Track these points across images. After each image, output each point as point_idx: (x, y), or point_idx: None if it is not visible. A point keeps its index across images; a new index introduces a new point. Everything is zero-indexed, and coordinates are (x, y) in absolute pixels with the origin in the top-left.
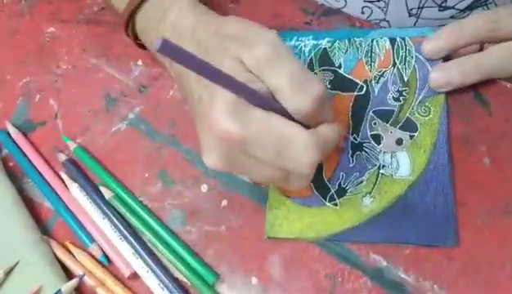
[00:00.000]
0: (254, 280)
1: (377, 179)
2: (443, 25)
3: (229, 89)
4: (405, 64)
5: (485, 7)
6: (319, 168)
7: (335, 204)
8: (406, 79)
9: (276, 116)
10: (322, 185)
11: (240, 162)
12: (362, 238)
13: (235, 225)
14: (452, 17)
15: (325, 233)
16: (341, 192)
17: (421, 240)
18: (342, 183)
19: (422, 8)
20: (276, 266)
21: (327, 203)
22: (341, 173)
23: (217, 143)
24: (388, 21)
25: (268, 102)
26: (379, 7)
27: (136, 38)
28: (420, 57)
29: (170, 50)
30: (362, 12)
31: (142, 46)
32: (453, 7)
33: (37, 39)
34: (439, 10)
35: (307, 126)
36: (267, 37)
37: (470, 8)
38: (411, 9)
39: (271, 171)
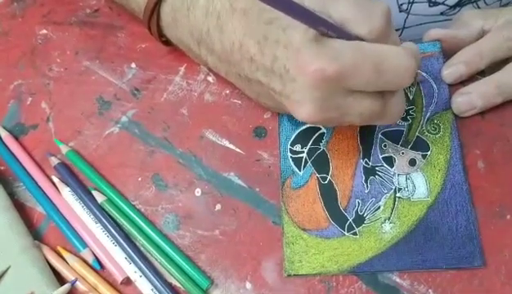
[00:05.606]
0: (248, 285)
1: (394, 203)
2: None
3: (318, 28)
4: None
5: (474, 4)
6: (334, 197)
7: (355, 233)
8: (411, 97)
9: (360, 42)
10: (339, 215)
11: (338, 102)
12: (387, 267)
13: (228, 230)
14: (442, 13)
15: (348, 265)
16: (359, 220)
17: (448, 264)
18: (359, 210)
19: (412, 3)
20: (270, 271)
21: (346, 233)
22: (357, 200)
23: (310, 89)
24: None
25: (345, 34)
26: None
27: (160, 36)
28: (423, 73)
29: None
30: None
31: (166, 43)
32: (443, 3)
33: (29, 41)
34: (429, 5)
35: None
36: None
37: (460, 5)
38: (402, 4)
39: (370, 102)
